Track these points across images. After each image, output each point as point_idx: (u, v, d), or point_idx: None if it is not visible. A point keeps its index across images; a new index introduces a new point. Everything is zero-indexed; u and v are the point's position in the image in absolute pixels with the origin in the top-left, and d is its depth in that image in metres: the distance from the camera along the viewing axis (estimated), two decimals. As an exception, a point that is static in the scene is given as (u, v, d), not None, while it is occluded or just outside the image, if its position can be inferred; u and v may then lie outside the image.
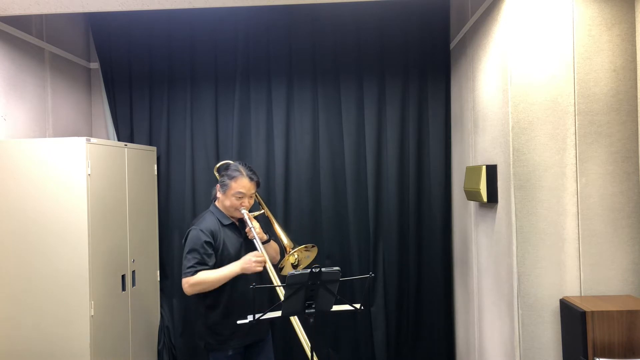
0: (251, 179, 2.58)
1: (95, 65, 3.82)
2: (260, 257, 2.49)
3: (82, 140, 2.73)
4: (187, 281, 2.46)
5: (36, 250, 2.71)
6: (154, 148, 3.63)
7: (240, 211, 2.57)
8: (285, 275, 2.17)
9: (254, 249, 2.56)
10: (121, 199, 3.10)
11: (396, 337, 3.63)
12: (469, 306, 3.18)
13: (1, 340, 2.73)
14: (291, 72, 3.64)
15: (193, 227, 2.56)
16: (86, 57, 3.80)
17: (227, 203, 2.58)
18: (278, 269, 2.69)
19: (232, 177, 2.57)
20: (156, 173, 3.62)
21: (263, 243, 2.62)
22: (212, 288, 2.48)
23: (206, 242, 2.49)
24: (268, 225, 2.89)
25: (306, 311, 2.29)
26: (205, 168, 3.65)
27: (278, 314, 2.28)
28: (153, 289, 3.56)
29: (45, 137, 3.27)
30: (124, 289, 3.11)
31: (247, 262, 2.48)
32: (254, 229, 2.55)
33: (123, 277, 3.10)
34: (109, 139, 3.78)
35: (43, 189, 2.71)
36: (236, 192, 2.55)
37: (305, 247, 2.73)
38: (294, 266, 2.75)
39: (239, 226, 2.65)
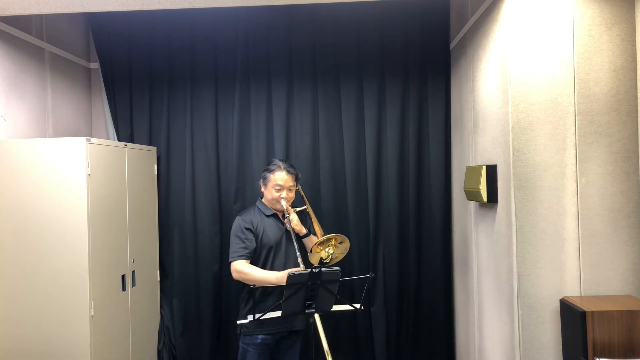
0: (288, 171, 2.81)
1: (95, 65, 3.82)
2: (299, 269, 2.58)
3: (82, 140, 2.73)
4: (234, 266, 2.70)
5: (36, 250, 2.71)
6: (154, 148, 3.63)
7: (280, 203, 2.75)
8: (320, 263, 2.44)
9: (295, 238, 2.73)
10: (121, 199, 3.10)
11: (396, 337, 3.63)
12: (469, 306, 3.18)
13: (1, 340, 2.73)
14: (291, 72, 3.64)
15: (237, 217, 2.83)
16: (86, 57, 3.81)
17: (269, 196, 2.80)
18: (305, 253, 2.80)
19: (270, 171, 2.81)
20: (156, 173, 3.62)
21: (303, 236, 2.85)
22: (252, 283, 2.62)
23: (245, 228, 2.74)
24: (311, 222, 2.97)
25: (306, 311, 2.29)
26: (205, 168, 3.65)
27: (278, 314, 2.29)
28: (153, 289, 3.56)
29: (45, 137, 3.27)
30: (124, 289, 3.11)
31: (286, 277, 2.59)
32: (292, 221, 2.74)
33: (123, 277, 3.10)
34: (109, 139, 3.78)
35: (43, 189, 2.71)
36: (275, 185, 2.77)
37: (335, 238, 2.78)
38: (324, 262, 2.78)
39: (281, 218, 2.83)
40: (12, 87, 3.00)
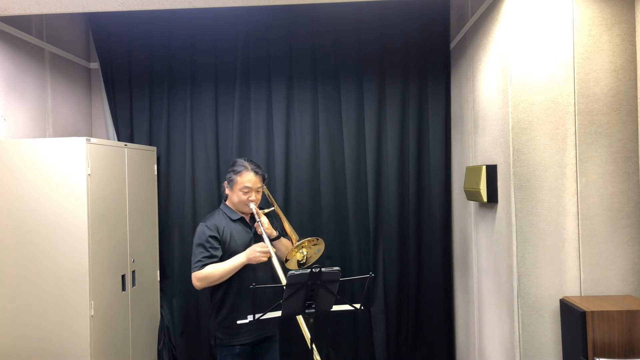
0: (256, 172, 2.64)
1: (95, 65, 3.82)
2: (265, 248, 2.52)
3: (82, 140, 2.73)
4: (195, 275, 2.53)
5: (36, 250, 2.71)
6: (154, 148, 3.63)
7: (248, 206, 2.62)
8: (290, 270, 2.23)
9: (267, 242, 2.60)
10: (121, 199, 3.10)
11: (396, 337, 3.63)
12: (469, 306, 3.18)
13: (2, 339, 2.73)
14: (291, 72, 3.64)
15: (200, 223, 2.64)
16: (86, 57, 3.80)
17: (235, 199, 2.63)
18: (283, 261, 2.69)
19: (237, 172, 2.63)
20: (156, 173, 3.62)
21: (273, 239, 2.66)
22: (221, 280, 2.53)
23: (211, 236, 2.55)
24: (280, 223, 2.89)
25: (306, 311, 2.29)
26: (205, 168, 3.65)
27: (278, 314, 2.28)
28: (153, 289, 3.56)
29: (45, 137, 3.27)
30: (124, 289, 3.11)
31: (252, 253, 2.52)
32: (263, 225, 2.58)
33: (123, 277, 3.10)
34: (109, 139, 3.78)
35: (43, 189, 2.71)
36: (242, 187, 2.60)
37: (309, 240, 2.68)
38: (301, 264, 2.69)
39: (249, 222, 2.70)
40: (12, 87, 3.00)
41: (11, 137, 2.95)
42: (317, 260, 2.75)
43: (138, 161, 3.34)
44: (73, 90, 3.62)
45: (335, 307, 2.39)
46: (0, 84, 2.91)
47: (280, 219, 2.85)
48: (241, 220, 2.67)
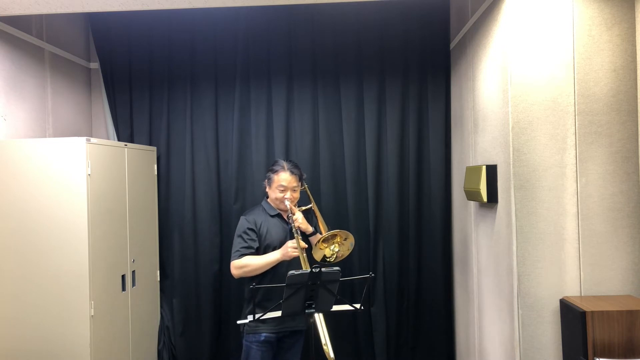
0: (292, 172, 2.80)
1: (95, 65, 3.82)
2: (295, 243, 2.67)
3: (82, 140, 2.73)
4: (233, 264, 2.72)
5: (36, 250, 2.71)
6: (154, 148, 3.63)
7: (284, 203, 2.76)
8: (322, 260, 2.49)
9: (301, 237, 2.74)
10: (121, 199, 3.10)
11: (396, 337, 3.63)
12: (469, 306, 3.18)
13: (1, 339, 2.73)
14: (291, 72, 3.64)
15: (242, 216, 2.85)
16: (86, 57, 3.81)
17: (273, 196, 2.81)
18: (308, 248, 2.78)
19: (275, 171, 2.82)
20: (156, 173, 3.62)
21: (309, 235, 2.83)
22: (256, 273, 2.69)
23: (249, 228, 2.75)
24: (317, 221, 2.94)
25: (306, 311, 2.29)
26: (205, 168, 3.65)
27: (278, 314, 2.29)
28: (153, 289, 3.56)
29: (45, 137, 3.27)
30: (124, 289, 3.11)
31: (284, 249, 2.69)
32: (296, 220, 2.73)
33: (123, 277, 3.10)
34: (109, 139, 3.78)
35: (43, 189, 2.71)
36: (278, 185, 2.78)
37: (340, 235, 2.69)
38: (327, 260, 2.72)
39: (286, 218, 2.84)
40: (12, 87, 3.00)
41: (11, 137, 2.96)
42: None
43: (138, 161, 3.34)
44: (73, 90, 3.62)
45: (335, 307, 2.40)
46: (0, 84, 2.91)
47: (316, 217, 2.94)
48: (278, 216, 2.83)
